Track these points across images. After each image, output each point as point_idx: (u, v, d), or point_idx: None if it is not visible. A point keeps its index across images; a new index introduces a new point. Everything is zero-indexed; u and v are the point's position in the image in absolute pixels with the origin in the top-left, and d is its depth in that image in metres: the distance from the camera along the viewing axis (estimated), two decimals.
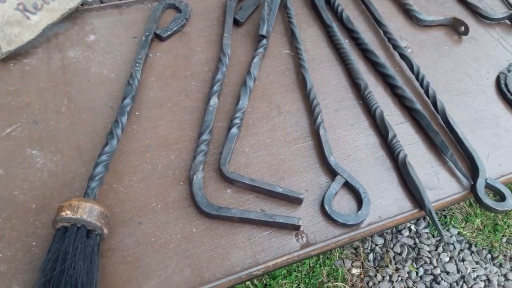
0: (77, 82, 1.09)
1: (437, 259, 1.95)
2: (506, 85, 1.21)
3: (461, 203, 2.13)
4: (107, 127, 1.01)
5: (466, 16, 1.41)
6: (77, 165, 0.96)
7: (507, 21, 1.41)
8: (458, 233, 2.05)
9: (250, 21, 1.30)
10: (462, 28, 1.33)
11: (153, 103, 1.08)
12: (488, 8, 1.44)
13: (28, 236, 0.85)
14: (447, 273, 1.92)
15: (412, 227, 2.05)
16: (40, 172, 0.94)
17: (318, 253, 0.91)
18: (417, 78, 1.18)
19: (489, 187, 1.00)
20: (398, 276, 1.89)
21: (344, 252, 1.93)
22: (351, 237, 0.93)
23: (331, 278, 1.85)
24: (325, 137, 1.04)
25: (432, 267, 1.93)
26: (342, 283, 1.83)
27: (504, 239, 2.04)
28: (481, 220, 2.08)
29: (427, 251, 1.97)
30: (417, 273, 1.91)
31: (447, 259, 1.96)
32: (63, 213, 0.80)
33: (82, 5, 1.24)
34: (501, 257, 1.99)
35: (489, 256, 1.99)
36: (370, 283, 1.86)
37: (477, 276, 1.92)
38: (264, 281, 1.80)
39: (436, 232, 2.02)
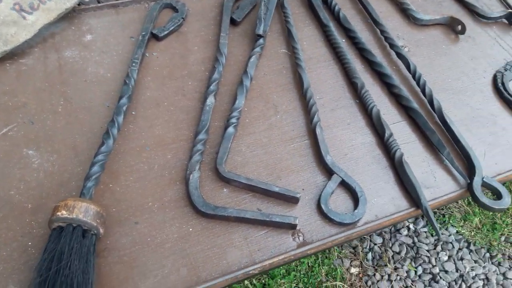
0: (74, 82, 1.09)
1: (435, 258, 1.95)
2: (503, 83, 1.21)
3: (460, 202, 2.13)
4: (103, 127, 1.01)
5: (463, 15, 1.41)
6: (74, 165, 0.96)
7: (504, 20, 1.41)
8: (457, 232, 2.05)
9: (247, 20, 1.30)
10: (459, 27, 1.33)
11: (150, 103, 1.08)
12: (485, 7, 1.44)
13: (24, 236, 0.85)
14: (446, 272, 1.92)
15: (411, 226, 2.05)
16: (37, 172, 0.94)
17: (315, 252, 0.91)
18: (413, 77, 1.18)
19: (485, 185, 1.00)
20: (397, 275, 1.89)
21: (343, 251, 1.93)
22: (347, 236, 0.93)
23: (329, 277, 1.84)
24: (322, 136, 1.04)
25: (430, 266, 1.93)
26: (340, 283, 1.83)
27: (503, 238, 2.04)
28: (479, 219, 2.08)
29: (426, 250, 1.97)
30: (415, 272, 1.91)
31: (445, 258, 1.96)
32: (58, 213, 0.80)
33: (79, 4, 1.24)
34: (499, 255, 1.99)
35: (487, 255, 1.99)
36: (369, 282, 1.86)
37: (475, 275, 1.92)
38: (263, 281, 1.80)
39: (434, 231, 2.02)
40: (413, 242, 2.00)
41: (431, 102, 1.12)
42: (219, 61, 1.14)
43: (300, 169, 1.01)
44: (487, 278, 1.92)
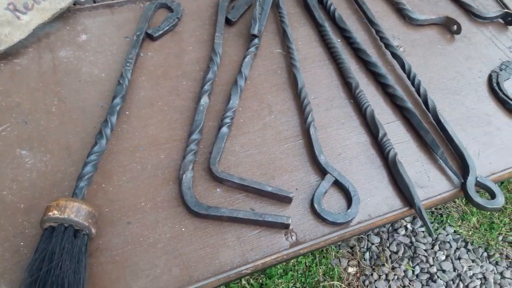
0: (68, 82, 1.09)
1: (433, 258, 1.95)
2: (498, 83, 1.21)
3: (457, 202, 2.13)
4: (97, 127, 1.01)
5: (459, 15, 1.41)
6: (67, 165, 0.96)
7: (500, 20, 1.41)
8: (454, 231, 2.05)
9: (242, 20, 1.30)
10: (455, 27, 1.33)
11: (144, 103, 1.08)
12: (481, 7, 1.44)
13: (16, 236, 0.85)
14: (444, 271, 1.92)
15: (408, 225, 2.05)
16: (29, 172, 0.94)
17: (308, 251, 0.91)
18: (408, 77, 1.18)
19: (479, 185, 1.00)
20: (395, 274, 1.89)
21: (341, 251, 1.93)
22: (340, 235, 0.93)
23: (327, 277, 1.84)
24: (316, 136, 1.04)
25: (428, 265, 1.93)
26: (338, 282, 1.83)
27: (500, 237, 2.04)
28: (477, 218, 2.08)
29: (423, 250, 1.97)
30: (413, 271, 1.91)
31: (443, 257, 1.96)
32: (50, 213, 0.80)
33: (74, 4, 1.24)
34: (497, 255, 1.98)
35: (485, 254, 1.99)
36: (366, 282, 1.86)
37: (473, 274, 1.92)
38: (260, 281, 1.80)
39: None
40: (411, 242, 2.00)
41: (425, 101, 1.12)
42: (214, 61, 1.14)
43: (293, 168, 1.01)
44: (484, 278, 1.92)
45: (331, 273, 1.85)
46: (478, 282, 1.90)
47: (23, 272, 0.79)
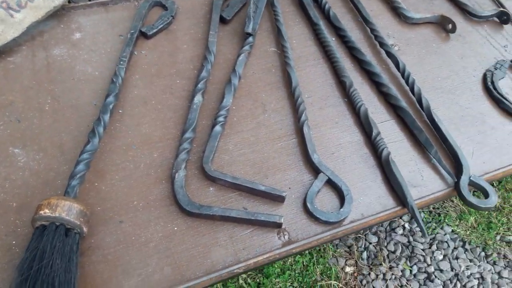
0: (62, 80, 1.09)
1: (431, 257, 1.95)
2: (492, 82, 1.20)
3: (455, 201, 2.13)
4: (90, 125, 1.01)
5: (454, 14, 1.41)
6: (60, 164, 0.95)
7: (496, 19, 1.41)
8: (452, 231, 2.05)
9: (237, 19, 1.30)
10: (450, 26, 1.32)
11: (137, 101, 1.07)
12: (476, 5, 1.44)
13: (8, 235, 0.85)
14: (441, 271, 1.91)
15: (406, 225, 2.05)
16: (22, 170, 0.94)
17: (300, 251, 0.91)
18: (402, 75, 1.17)
19: (472, 184, 1.00)
20: (392, 274, 1.89)
21: (338, 250, 1.93)
22: (333, 234, 0.92)
23: (324, 276, 1.84)
24: (309, 135, 1.04)
25: (426, 265, 1.93)
26: (335, 282, 1.83)
27: (498, 237, 2.04)
28: (475, 218, 2.07)
29: (421, 249, 1.97)
30: (411, 271, 1.90)
31: (441, 257, 1.96)
32: (41, 212, 0.80)
33: (68, 2, 1.24)
34: (495, 255, 1.98)
35: (483, 254, 1.99)
36: (364, 282, 1.86)
37: (470, 274, 1.92)
38: (258, 280, 1.80)
39: (430, 230, 2.02)
40: (408, 241, 2.00)
41: (419, 100, 1.12)
42: (208, 59, 1.14)
43: (287, 167, 1.01)
44: (482, 277, 1.92)
45: (328, 272, 1.85)
46: (475, 282, 1.90)
47: (14, 271, 0.79)
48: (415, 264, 1.92)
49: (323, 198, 0.97)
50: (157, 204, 0.92)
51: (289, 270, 1.84)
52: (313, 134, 1.06)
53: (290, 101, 1.13)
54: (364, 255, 1.93)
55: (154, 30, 1.20)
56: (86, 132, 0.98)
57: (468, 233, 2.04)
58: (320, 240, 0.92)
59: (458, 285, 1.88)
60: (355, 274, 1.88)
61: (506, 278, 1.92)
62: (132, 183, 0.95)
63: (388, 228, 2.04)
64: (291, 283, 1.81)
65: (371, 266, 1.90)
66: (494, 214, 2.09)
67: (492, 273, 1.93)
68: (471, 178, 1.00)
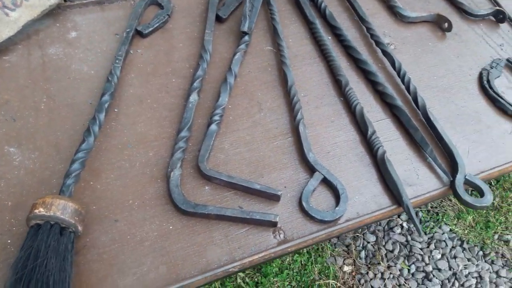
0: (57, 79, 1.09)
1: (429, 256, 1.95)
2: (488, 81, 1.20)
3: (453, 200, 2.13)
4: (86, 124, 1.00)
5: (450, 13, 1.41)
6: (55, 163, 0.95)
7: (492, 18, 1.41)
8: (450, 230, 2.05)
9: (233, 17, 1.30)
10: (446, 25, 1.32)
11: (133, 100, 1.07)
12: (472, 4, 1.43)
13: (3, 234, 0.85)
14: (439, 270, 1.92)
15: (404, 224, 2.05)
16: (17, 169, 0.93)
17: (295, 249, 0.91)
18: (398, 74, 1.17)
19: (468, 183, 1.00)
20: (390, 273, 1.89)
21: (336, 249, 1.93)
22: (328, 233, 0.92)
23: (322, 275, 1.84)
24: (305, 133, 1.04)
25: (424, 264, 1.93)
26: (333, 281, 1.83)
27: (496, 236, 2.04)
28: (473, 217, 2.07)
29: (419, 248, 1.97)
30: (409, 270, 1.90)
31: (439, 256, 1.96)
32: (36, 211, 0.80)
33: (64, 1, 1.23)
34: (492, 254, 1.98)
35: (481, 253, 1.99)
36: (362, 281, 1.86)
37: (468, 273, 1.92)
38: (256, 279, 1.80)
39: (428, 229, 2.02)
40: (407, 240, 2.00)
41: (415, 99, 1.12)
42: (204, 58, 1.13)
43: (282, 166, 1.01)
44: (480, 276, 1.92)
45: (326, 271, 1.85)
46: (473, 281, 1.90)
47: (9, 270, 0.79)
48: (413, 263, 1.93)
49: (318, 197, 0.97)
50: (152, 203, 0.92)
51: (287, 269, 1.84)
52: (308, 133, 1.06)
53: (286, 100, 1.13)
54: (362, 254, 1.94)
55: (150, 29, 1.20)
56: (82, 131, 0.98)
57: (466, 232, 2.04)
58: (315, 239, 0.92)
59: (456, 284, 1.88)
60: (353, 273, 1.88)
61: (504, 277, 1.92)
62: (127, 182, 0.94)
63: (386, 227, 2.04)
64: (289, 282, 1.81)
65: (369, 265, 1.90)
66: (492, 213, 2.09)
67: (490, 272, 1.94)
68: (466, 177, 1.00)
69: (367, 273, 1.88)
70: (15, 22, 1.10)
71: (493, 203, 2.11)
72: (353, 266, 1.90)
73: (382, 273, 1.88)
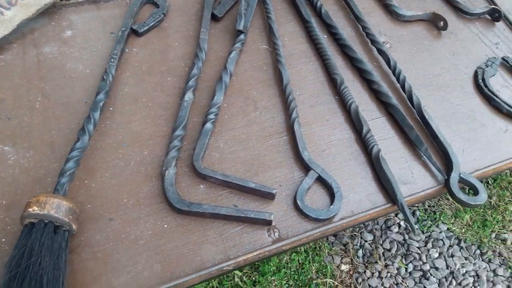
0: (52, 77, 1.09)
1: (426, 255, 1.95)
2: (483, 80, 1.21)
3: (450, 199, 2.13)
4: (81, 123, 1.00)
5: (446, 11, 1.41)
6: (50, 161, 0.95)
7: (487, 16, 1.41)
8: (448, 229, 2.04)
9: (229, 16, 1.30)
10: (442, 23, 1.32)
11: (128, 99, 1.07)
12: (468, 3, 1.43)
13: None
14: (436, 269, 1.91)
15: (402, 223, 2.04)
16: (12, 168, 0.94)
17: (290, 248, 0.91)
18: (394, 73, 1.17)
19: (462, 181, 1.00)
20: (387, 272, 1.89)
21: (334, 248, 1.93)
22: (323, 231, 0.93)
23: (320, 274, 1.84)
24: (300, 132, 1.04)
25: (421, 263, 1.92)
26: (331, 280, 1.82)
27: (493, 235, 2.04)
28: (470, 216, 2.07)
29: (417, 247, 1.97)
30: (406, 269, 1.90)
31: (436, 255, 1.96)
32: (30, 209, 0.80)
33: (60, 0, 1.23)
34: (490, 252, 1.98)
35: (478, 251, 1.99)
36: (359, 279, 1.86)
37: (466, 272, 1.92)
38: (253, 278, 1.80)
39: (425, 228, 2.02)
40: (404, 239, 2.00)
41: (410, 98, 1.12)
42: (199, 56, 1.13)
43: (277, 165, 1.01)
44: (477, 275, 1.92)
45: (324, 270, 1.85)
46: (471, 280, 1.90)
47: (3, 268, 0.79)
48: (410, 262, 1.92)
49: (313, 195, 0.97)
50: (147, 201, 0.92)
51: (284, 268, 1.83)
52: (304, 131, 1.06)
53: (282, 98, 1.13)
54: (360, 253, 1.93)
55: (146, 28, 1.20)
56: (77, 130, 0.98)
57: (463, 231, 2.04)
58: (310, 237, 0.92)
59: (454, 283, 1.88)
60: (351, 272, 1.88)
61: (501, 276, 1.92)
62: (122, 181, 0.95)
63: (383, 226, 2.04)
64: (287, 281, 1.81)
65: (366, 264, 1.90)
66: (489, 212, 2.09)
67: (487, 271, 1.93)
68: (461, 175, 1.00)
69: (365, 272, 1.88)
70: (10, 21, 1.10)
71: (490, 202, 2.11)
72: (351, 265, 1.90)
73: (380, 272, 1.88)
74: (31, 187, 0.91)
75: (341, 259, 1.91)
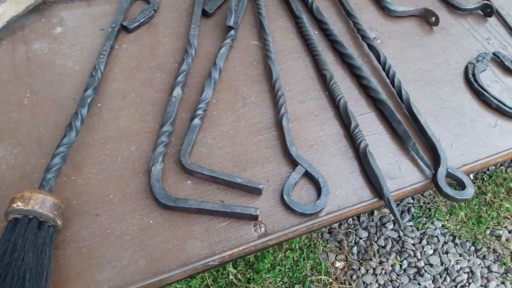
0: (41, 74, 1.09)
1: (421, 252, 1.95)
2: (473, 75, 1.20)
3: None
4: (69, 119, 1.00)
5: (438, 7, 1.40)
6: (37, 158, 0.95)
7: (479, 12, 1.40)
8: (442, 225, 2.05)
9: (220, 12, 1.29)
10: (433, 19, 1.32)
11: (116, 95, 1.07)
12: None
13: None
14: (431, 265, 1.92)
15: None
16: None
17: (276, 242, 0.91)
18: (383, 68, 1.17)
19: (450, 176, 1.00)
20: (382, 269, 1.89)
21: (328, 245, 1.93)
22: (309, 226, 0.92)
23: (314, 271, 1.84)
24: (288, 127, 1.03)
25: (416, 259, 1.93)
26: (325, 277, 1.83)
27: (488, 231, 2.04)
28: (465, 212, 2.07)
29: (411, 244, 1.97)
30: (401, 266, 1.90)
31: (431, 251, 1.96)
32: (14, 205, 0.80)
33: None
34: (484, 249, 1.98)
35: (472, 248, 1.99)
36: (354, 276, 1.86)
37: (460, 268, 1.92)
38: (248, 275, 1.80)
39: (420, 225, 2.02)
40: (399, 236, 2.00)
41: (399, 93, 1.12)
42: (188, 52, 1.13)
43: (265, 160, 1.01)
44: (471, 272, 1.92)
45: (318, 267, 1.85)
46: (465, 276, 1.90)
47: None
48: (405, 258, 1.93)
49: (300, 191, 0.97)
50: (133, 197, 0.92)
51: (279, 265, 1.84)
52: (293, 127, 1.06)
53: (271, 94, 1.12)
54: (355, 250, 1.94)
55: (136, 24, 1.20)
56: (65, 126, 0.98)
57: (458, 227, 2.04)
58: (296, 232, 0.92)
59: (448, 279, 1.88)
60: (345, 269, 1.88)
61: (495, 272, 1.92)
62: (108, 177, 0.94)
63: (378, 223, 2.04)
64: (281, 278, 1.81)
65: (361, 261, 1.90)
66: (484, 208, 2.09)
67: (481, 267, 1.94)
68: (448, 170, 1.00)
69: (359, 268, 1.88)
70: None
71: (485, 199, 2.11)
72: (345, 262, 1.90)
73: (374, 269, 1.89)
74: (17, 183, 0.91)
75: (335, 256, 1.91)
